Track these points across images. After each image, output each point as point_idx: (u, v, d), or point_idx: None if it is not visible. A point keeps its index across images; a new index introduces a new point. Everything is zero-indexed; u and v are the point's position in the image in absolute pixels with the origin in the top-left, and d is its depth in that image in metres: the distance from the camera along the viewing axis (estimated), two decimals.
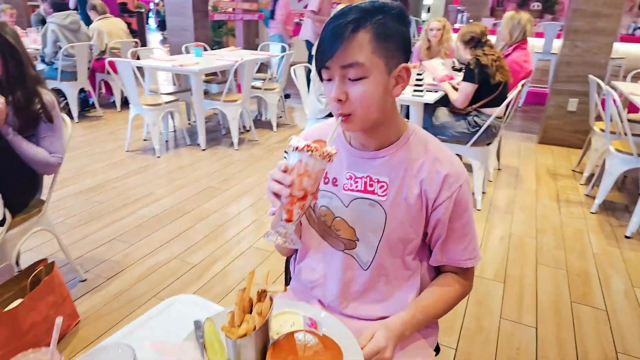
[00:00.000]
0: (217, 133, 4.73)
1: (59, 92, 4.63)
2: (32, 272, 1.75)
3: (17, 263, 1.93)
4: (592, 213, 3.06)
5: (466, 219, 0.95)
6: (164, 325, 0.91)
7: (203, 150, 4.15)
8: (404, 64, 0.86)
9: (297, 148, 0.77)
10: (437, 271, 1.05)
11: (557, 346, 1.85)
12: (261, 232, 2.72)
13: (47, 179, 2.00)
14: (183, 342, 0.81)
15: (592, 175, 3.52)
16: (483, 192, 3.27)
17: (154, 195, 3.16)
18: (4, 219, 1.73)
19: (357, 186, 0.95)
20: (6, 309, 1.58)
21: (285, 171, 0.78)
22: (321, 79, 0.88)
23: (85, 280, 2.19)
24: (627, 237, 2.75)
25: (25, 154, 1.75)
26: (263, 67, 5.33)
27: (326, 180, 0.99)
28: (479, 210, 3.06)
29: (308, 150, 0.76)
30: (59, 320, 0.63)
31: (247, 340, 0.74)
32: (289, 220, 0.80)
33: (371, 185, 0.94)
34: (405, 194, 0.92)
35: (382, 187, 0.93)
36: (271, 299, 0.77)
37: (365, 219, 0.95)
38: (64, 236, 2.12)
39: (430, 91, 3.13)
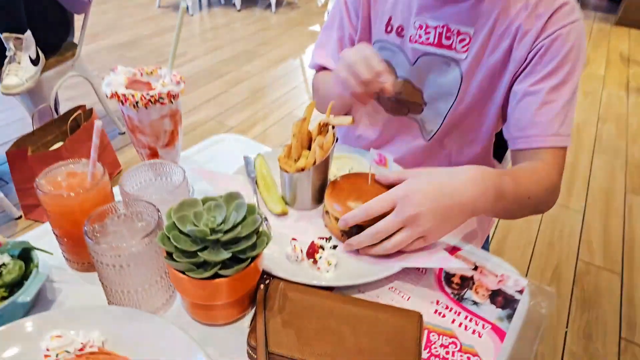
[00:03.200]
0: None
1: None
2: (70, 116, 1.75)
3: (57, 111, 1.93)
4: None
5: (562, 79, 0.68)
6: (212, 158, 0.85)
7: (238, 11, 3.88)
8: None
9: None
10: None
11: (603, 232, 1.78)
12: (299, 100, 2.60)
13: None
14: (233, 174, 0.75)
15: None
16: None
17: (188, 55, 3.02)
18: (38, 57, 1.71)
19: (428, 38, 0.75)
20: (50, 149, 1.64)
21: None
22: None
23: (124, 133, 2.18)
24: None
25: None
26: None
27: (389, 28, 0.79)
28: None
29: (120, 101, 0.60)
30: (98, 122, 0.55)
31: (305, 176, 0.66)
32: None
33: (448, 38, 0.73)
34: (491, 50, 0.72)
35: (462, 40, 0.73)
36: (334, 135, 0.67)
37: (436, 81, 0.77)
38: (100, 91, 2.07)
39: None
